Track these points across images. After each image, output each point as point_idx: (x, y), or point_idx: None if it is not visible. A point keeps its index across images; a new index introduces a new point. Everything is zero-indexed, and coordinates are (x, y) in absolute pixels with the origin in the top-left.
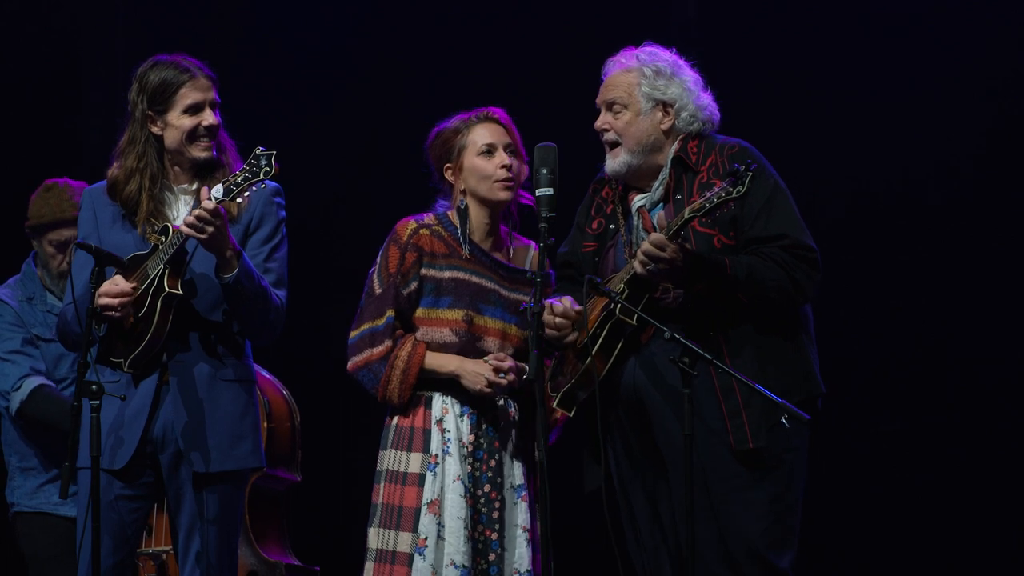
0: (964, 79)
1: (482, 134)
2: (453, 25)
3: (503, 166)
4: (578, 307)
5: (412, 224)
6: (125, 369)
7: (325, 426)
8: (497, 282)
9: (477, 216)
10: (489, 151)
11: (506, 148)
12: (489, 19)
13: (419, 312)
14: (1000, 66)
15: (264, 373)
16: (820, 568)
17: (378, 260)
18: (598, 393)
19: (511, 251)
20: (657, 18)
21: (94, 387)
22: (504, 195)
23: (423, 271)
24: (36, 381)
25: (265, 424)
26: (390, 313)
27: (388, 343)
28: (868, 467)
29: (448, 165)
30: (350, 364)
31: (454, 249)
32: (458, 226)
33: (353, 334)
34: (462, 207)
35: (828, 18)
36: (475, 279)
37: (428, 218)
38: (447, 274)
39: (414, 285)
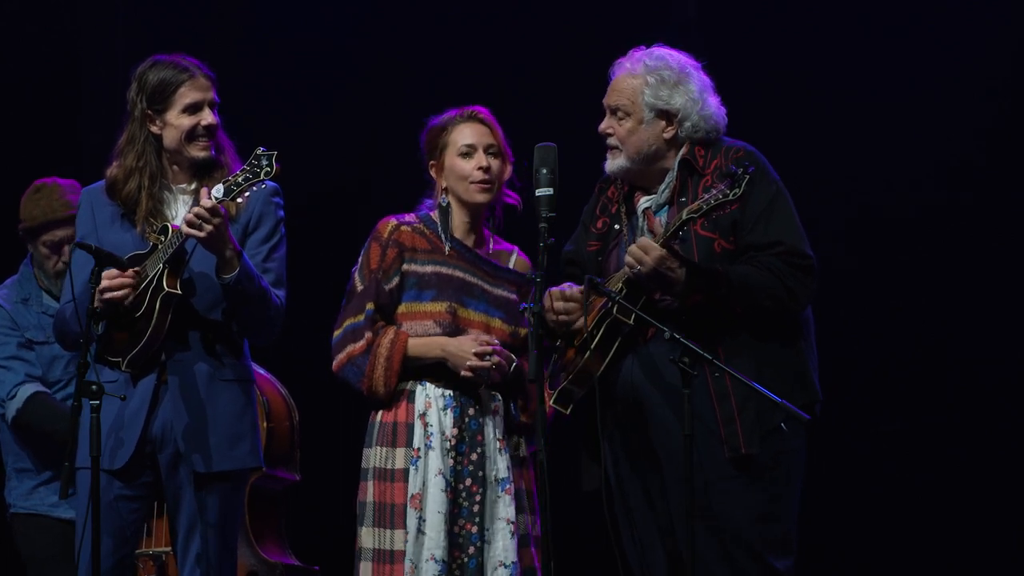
0: (964, 79)
1: (464, 134)
2: (453, 25)
3: (480, 168)
4: (578, 287)
5: (393, 222)
6: (123, 368)
7: (325, 426)
8: (481, 277)
9: (458, 215)
10: (468, 152)
11: (487, 149)
12: (489, 19)
13: (402, 308)
14: (1000, 66)
15: (263, 372)
16: (820, 568)
17: (360, 259)
18: (598, 392)
19: (490, 250)
20: (657, 18)
21: (94, 387)
22: (480, 197)
23: (404, 266)
24: (31, 389)
25: (264, 424)
26: (370, 307)
27: (368, 335)
28: (868, 467)
29: (432, 162)
30: (335, 364)
31: (436, 245)
32: (439, 224)
33: (336, 333)
34: (443, 204)
35: (828, 18)
36: (458, 273)
37: (409, 217)
38: (429, 268)
39: (395, 281)
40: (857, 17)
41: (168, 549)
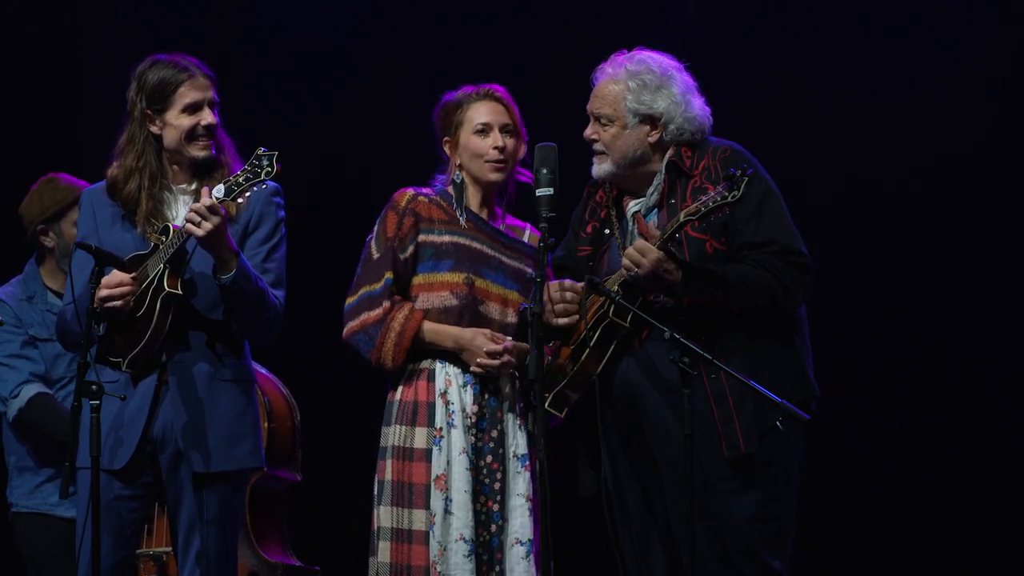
0: (964, 79)
1: (480, 112)
2: (453, 25)
3: (496, 147)
4: (579, 283)
5: (410, 192)
6: (124, 368)
7: (325, 426)
8: (498, 250)
9: (472, 191)
10: (484, 130)
11: (503, 128)
12: (489, 19)
13: (418, 278)
14: (1000, 66)
15: (264, 372)
16: (820, 568)
17: (375, 227)
18: (598, 392)
19: (504, 224)
20: (657, 18)
21: (94, 387)
22: (494, 176)
23: (421, 236)
24: (34, 389)
25: (265, 424)
26: (388, 275)
27: (386, 304)
28: (868, 467)
29: (447, 139)
30: (345, 331)
31: (453, 217)
32: (454, 199)
33: (349, 300)
34: (458, 181)
35: (828, 18)
36: (476, 245)
37: (427, 189)
38: (446, 238)
39: (411, 250)
40: (857, 17)
41: (169, 549)
